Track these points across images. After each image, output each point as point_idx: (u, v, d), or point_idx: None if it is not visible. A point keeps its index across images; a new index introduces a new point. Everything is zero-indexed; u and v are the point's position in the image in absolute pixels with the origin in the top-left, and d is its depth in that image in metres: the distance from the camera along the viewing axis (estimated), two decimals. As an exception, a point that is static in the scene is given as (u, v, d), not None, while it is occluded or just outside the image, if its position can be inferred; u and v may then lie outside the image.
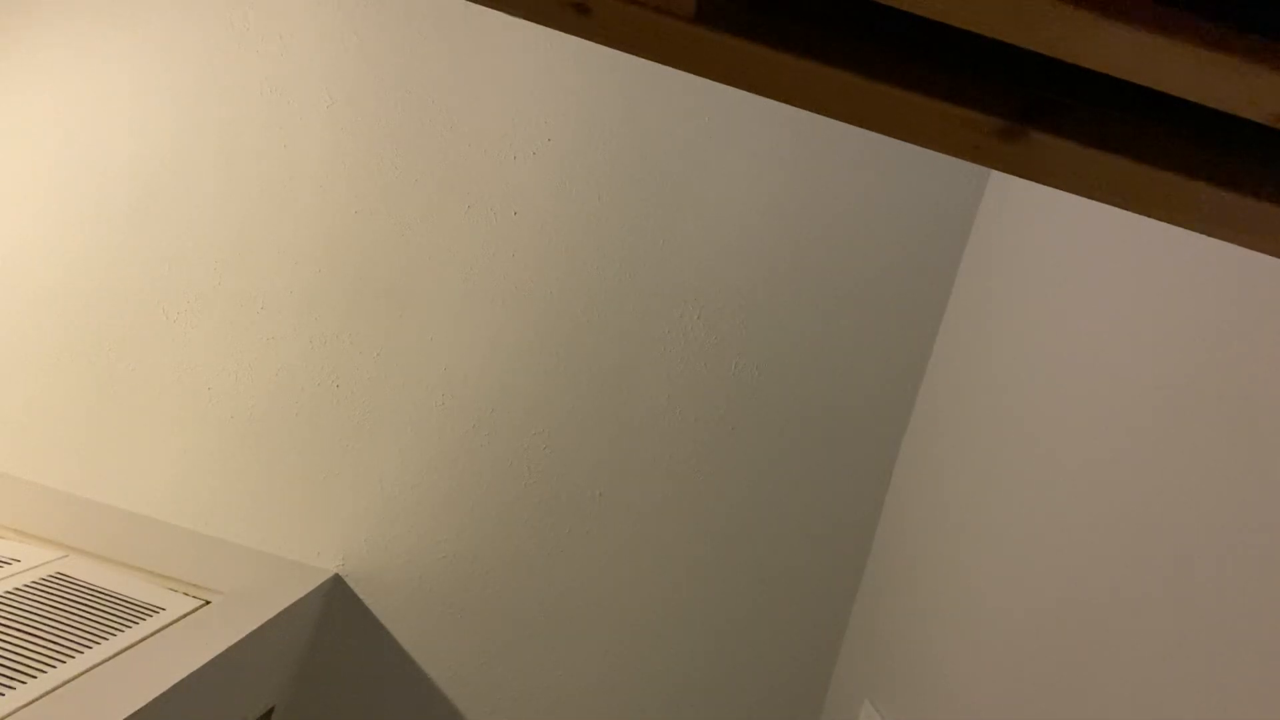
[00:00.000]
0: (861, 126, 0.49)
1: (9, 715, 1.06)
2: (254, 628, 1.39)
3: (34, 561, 1.52)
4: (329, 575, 1.68)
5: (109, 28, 1.72)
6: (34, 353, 1.71)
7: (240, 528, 1.70)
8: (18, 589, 1.40)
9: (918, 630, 1.34)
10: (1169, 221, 0.50)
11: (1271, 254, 0.51)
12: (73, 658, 1.23)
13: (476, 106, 1.71)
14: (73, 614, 1.36)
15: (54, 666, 1.20)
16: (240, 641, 1.34)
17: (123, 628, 1.36)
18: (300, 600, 1.55)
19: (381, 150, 1.71)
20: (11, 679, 1.14)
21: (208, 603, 1.55)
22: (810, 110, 0.48)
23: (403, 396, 1.71)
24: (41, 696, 1.11)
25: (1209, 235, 0.50)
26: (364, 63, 1.71)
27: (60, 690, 1.13)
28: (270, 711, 1.61)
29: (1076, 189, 0.49)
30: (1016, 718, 0.97)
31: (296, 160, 1.71)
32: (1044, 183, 0.50)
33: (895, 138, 0.49)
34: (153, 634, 1.36)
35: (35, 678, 1.16)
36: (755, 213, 1.71)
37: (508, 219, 1.71)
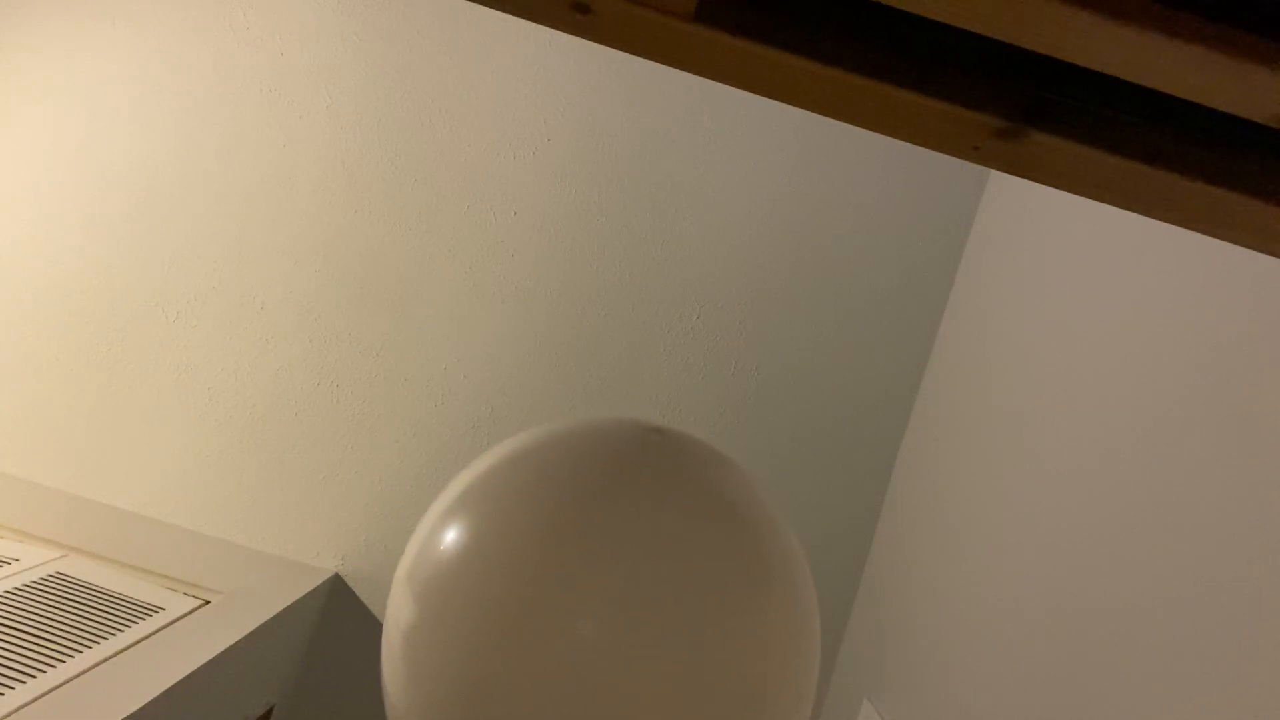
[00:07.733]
0: (862, 126, 0.49)
1: (9, 715, 1.06)
2: (254, 627, 1.39)
3: (33, 561, 1.52)
4: (329, 575, 1.68)
5: (108, 27, 1.72)
6: (34, 353, 1.70)
7: (240, 527, 1.70)
8: (17, 589, 1.40)
9: (917, 630, 1.34)
10: (1169, 221, 0.50)
11: (1272, 254, 0.51)
12: (72, 657, 1.23)
13: (476, 106, 1.71)
14: (72, 614, 1.36)
15: (54, 666, 1.20)
16: (240, 641, 1.34)
17: (122, 627, 1.36)
18: (300, 600, 1.55)
19: (381, 150, 1.71)
20: (11, 679, 1.14)
21: (207, 602, 1.55)
22: (810, 110, 0.48)
23: (402, 396, 1.71)
24: (41, 696, 1.11)
25: (1210, 235, 0.50)
26: (364, 63, 1.71)
27: (60, 690, 1.13)
28: (270, 710, 1.61)
29: (1076, 189, 0.49)
30: (1015, 716, 0.97)
31: (296, 160, 1.71)
32: (1044, 183, 0.50)
33: (895, 138, 0.49)
34: (152, 634, 1.36)
35: (35, 677, 1.16)
36: (753, 213, 1.71)
37: (508, 219, 1.71)
